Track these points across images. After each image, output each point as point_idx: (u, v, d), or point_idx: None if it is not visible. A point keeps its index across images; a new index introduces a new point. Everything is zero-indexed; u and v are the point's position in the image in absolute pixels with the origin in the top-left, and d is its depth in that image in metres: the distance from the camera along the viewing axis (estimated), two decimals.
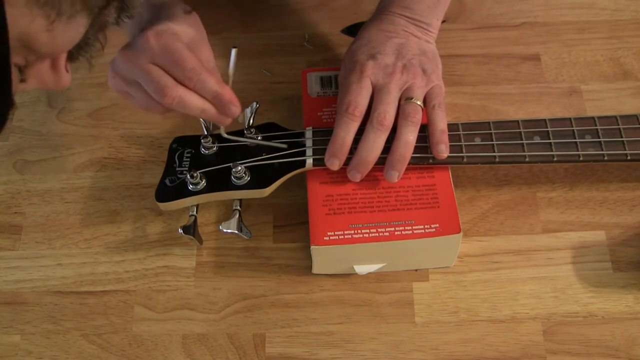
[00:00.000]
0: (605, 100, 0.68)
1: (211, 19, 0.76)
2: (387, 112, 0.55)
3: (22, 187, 0.65)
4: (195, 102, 0.52)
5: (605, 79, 0.69)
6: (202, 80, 0.51)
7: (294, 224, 0.62)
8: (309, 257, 0.57)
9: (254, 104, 0.60)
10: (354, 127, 0.55)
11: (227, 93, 0.52)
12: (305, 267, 0.60)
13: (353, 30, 0.73)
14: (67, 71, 0.43)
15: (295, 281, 0.59)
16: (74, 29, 0.37)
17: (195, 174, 0.56)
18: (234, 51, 0.55)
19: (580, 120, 0.58)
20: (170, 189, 0.57)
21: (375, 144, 0.55)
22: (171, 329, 0.58)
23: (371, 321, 0.57)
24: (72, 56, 0.42)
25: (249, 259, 0.60)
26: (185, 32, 0.53)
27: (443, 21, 0.63)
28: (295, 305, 0.58)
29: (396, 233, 0.54)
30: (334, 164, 0.56)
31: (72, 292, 0.60)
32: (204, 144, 0.59)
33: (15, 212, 0.64)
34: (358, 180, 0.57)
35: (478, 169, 0.64)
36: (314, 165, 0.57)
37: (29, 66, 0.39)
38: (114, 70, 0.53)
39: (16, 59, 0.37)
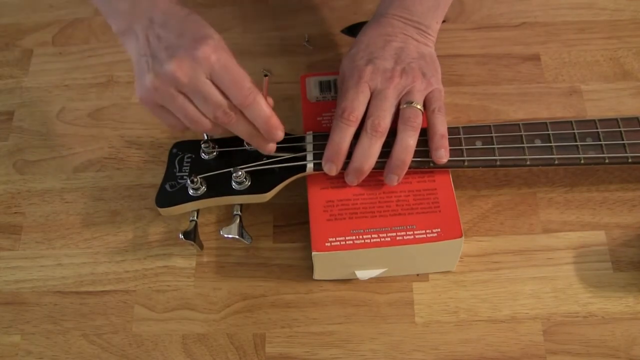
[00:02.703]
0: (605, 100, 0.68)
1: (211, 19, 0.76)
2: (382, 118, 0.55)
3: (22, 187, 0.65)
4: (246, 125, 0.53)
5: (605, 79, 0.69)
6: (257, 102, 0.52)
7: (294, 224, 0.62)
8: (309, 257, 0.57)
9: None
10: (349, 132, 0.55)
11: (275, 119, 0.53)
12: (305, 267, 0.60)
13: (353, 30, 0.73)
14: None
15: (295, 281, 0.59)
16: None
17: (195, 179, 0.56)
18: (265, 79, 0.55)
19: (581, 122, 0.58)
20: (171, 194, 0.57)
21: (370, 150, 0.55)
22: (171, 329, 0.58)
23: (371, 321, 0.57)
24: None
25: (249, 259, 0.61)
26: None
27: (443, 21, 0.63)
28: (295, 305, 0.58)
29: (397, 238, 0.54)
30: (331, 170, 0.56)
31: (72, 292, 0.60)
32: (204, 148, 0.59)
33: (15, 212, 0.64)
34: (355, 184, 0.57)
35: (478, 169, 0.64)
36: (314, 169, 0.57)
37: None
38: (158, 82, 0.51)
39: None
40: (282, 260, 0.60)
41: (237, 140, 0.58)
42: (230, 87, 0.51)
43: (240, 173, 0.56)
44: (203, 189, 0.57)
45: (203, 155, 0.59)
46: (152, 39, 0.52)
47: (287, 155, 0.57)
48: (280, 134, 0.54)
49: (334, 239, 0.55)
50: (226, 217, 0.63)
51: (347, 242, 0.54)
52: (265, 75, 0.55)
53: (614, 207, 0.62)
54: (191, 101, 0.52)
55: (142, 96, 0.52)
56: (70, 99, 0.71)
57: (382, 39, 0.59)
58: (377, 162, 0.55)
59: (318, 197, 0.57)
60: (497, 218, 0.62)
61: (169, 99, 0.52)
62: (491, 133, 0.58)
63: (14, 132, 0.69)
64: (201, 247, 0.60)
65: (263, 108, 0.52)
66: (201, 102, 0.52)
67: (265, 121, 0.53)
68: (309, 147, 0.58)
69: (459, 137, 0.57)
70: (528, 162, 0.56)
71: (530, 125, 0.58)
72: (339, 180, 0.57)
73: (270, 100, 0.55)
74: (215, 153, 0.59)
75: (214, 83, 0.51)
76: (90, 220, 0.63)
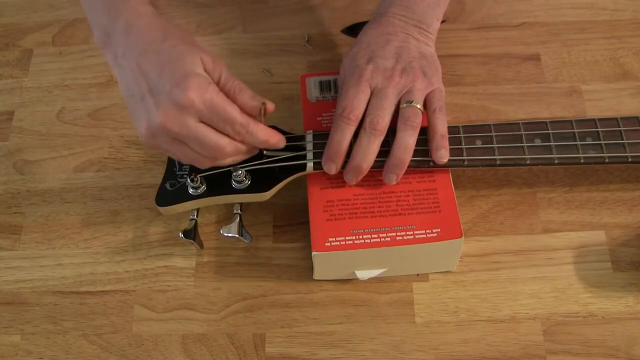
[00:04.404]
0: (605, 100, 0.68)
1: (212, 19, 0.76)
2: (381, 116, 0.55)
3: (22, 187, 0.65)
4: (246, 155, 0.55)
5: (605, 79, 0.69)
6: (251, 132, 0.52)
7: (294, 224, 0.62)
8: (309, 257, 0.57)
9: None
10: (349, 131, 0.55)
11: (274, 137, 0.54)
12: (305, 267, 0.60)
13: (353, 30, 0.73)
14: None
15: (295, 281, 0.59)
16: None
17: (195, 178, 0.56)
18: (263, 107, 0.54)
19: (581, 122, 0.58)
20: (171, 193, 0.57)
21: (368, 148, 0.55)
22: (171, 329, 0.58)
23: (371, 321, 0.57)
24: None
25: (249, 259, 0.61)
26: (207, 63, 0.52)
27: (443, 21, 0.63)
28: (295, 305, 0.58)
29: (397, 238, 0.54)
30: (331, 168, 0.56)
31: (72, 292, 0.60)
32: None
33: (15, 212, 0.64)
34: (354, 183, 0.57)
35: (478, 169, 0.64)
36: (314, 168, 0.57)
37: None
38: (152, 131, 0.51)
39: None
40: (282, 260, 0.60)
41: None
42: (222, 125, 0.51)
43: (240, 172, 0.56)
44: (203, 187, 0.57)
45: None
46: (137, 75, 0.51)
47: (287, 155, 0.57)
48: (281, 145, 0.55)
49: (334, 239, 0.55)
50: (226, 216, 0.63)
51: (347, 242, 0.54)
52: (263, 103, 0.54)
53: (614, 207, 0.62)
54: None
55: (143, 140, 0.52)
56: (70, 99, 0.71)
57: (383, 38, 0.59)
58: (376, 161, 0.55)
59: (318, 197, 0.57)
60: (497, 218, 0.62)
61: (165, 144, 0.52)
62: (491, 132, 0.58)
63: (14, 132, 0.69)
64: (201, 246, 0.60)
65: (259, 135, 0.53)
66: (198, 147, 0.52)
67: (264, 143, 0.54)
68: (309, 146, 0.58)
69: (459, 137, 0.57)
70: (528, 162, 0.56)
71: (530, 125, 0.58)
72: (339, 180, 0.57)
73: (272, 105, 0.54)
74: None
75: (206, 123, 0.51)
76: (90, 220, 0.63)
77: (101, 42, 0.54)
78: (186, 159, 0.54)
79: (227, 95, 0.52)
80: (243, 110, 0.53)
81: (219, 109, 0.50)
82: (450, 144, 0.56)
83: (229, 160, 0.55)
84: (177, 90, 0.49)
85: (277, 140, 0.55)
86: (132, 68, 0.51)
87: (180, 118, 0.49)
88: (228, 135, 0.52)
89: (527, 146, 0.57)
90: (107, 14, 0.53)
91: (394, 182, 0.56)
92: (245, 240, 0.57)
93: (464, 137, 0.57)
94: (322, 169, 0.56)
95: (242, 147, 0.54)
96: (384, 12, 0.61)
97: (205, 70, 0.51)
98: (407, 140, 0.55)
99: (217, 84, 0.52)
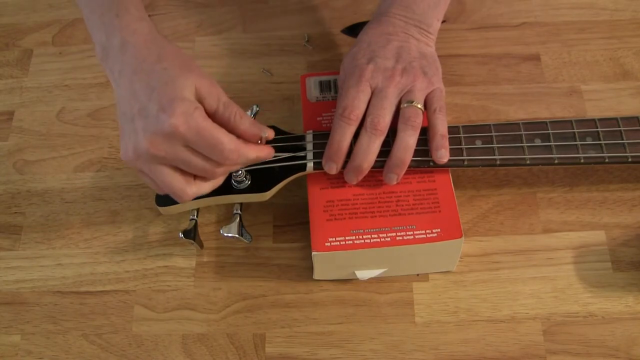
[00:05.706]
0: (605, 100, 0.68)
1: (212, 19, 0.76)
2: (381, 116, 0.55)
3: (22, 187, 0.65)
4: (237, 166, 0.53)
5: (605, 79, 0.69)
6: (242, 156, 0.51)
7: (294, 224, 0.62)
8: (309, 257, 0.57)
9: (254, 106, 0.61)
10: (350, 131, 0.55)
11: (263, 151, 0.53)
12: (305, 267, 0.60)
13: (353, 30, 0.73)
14: None
15: (295, 281, 0.59)
16: None
17: None
18: (263, 139, 0.53)
19: (581, 122, 0.58)
20: None
21: (369, 148, 0.55)
22: (171, 329, 0.58)
23: (371, 321, 0.57)
24: None
25: (249, 259, 0.61)
26: (202, 87, 0.50)
27: (443, 21, 0.63)
28: (295, 305, 0.58)
29: (397, 238, 0.54)
30: (332, 168, 0.56)
31: (72, 292, 0.60)
32: None
33: (15, 212, 0.64)
34: (354, 183, 0.57)
35: (478, 169, 0.64)
36: (314, 168, 0.57)
37: None
38: (137, 153, 0.49)
39: None
40: (282, 260, 0.60)
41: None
42: (210, 153, 0.49)
43: (240, 172, 0.56)
44: None
45: None
46: (130, 94, 0.50)
47: (287, 155, 0.57)
48: (271, 156, 0.54)
49: (333, 239, 0.55)
50: (226, 217, 0.63)
51: (347, 242, 0.54)
52: (265, 132, 0.53)
53: (614, 207, 0.62)
54: (175, 167, 0.51)
55: (126, 160, 0.51)
56: (70, 99, 0.71)
57: (383, 37, 0.59)
58: (377, 161, 0.55)
59: (318, 197, 0.57)
60: (497, 218, 0.62)
61: (147, 168, 0.51)
62: (491, 132, 0.58)
63: (14, 132, 0.69)
64: (201, 246, 0.60)
65: (250, 155, 0.51)
66: (185, 167, 0.51)
67: (255, 160, 0.53)
68: (309, 146, 0.58)
69: (459, 137, 0.57)
70: (528, 162, 0.56)
71: (530, 125, 0.58)
72: (339, 180, 0.57)
73: (272, 133, 0.54)
74: None
75: (193, 148, 0.49)
76: (90, 220, 0.63)
77: (100, 58, 0.54)
78: (166, 187, 0.51)
79: (227, 121, 0.51)
80: (244, 137, 0.52)
81: (205, 135, 0.48)
82: (450, 144, 0.56)
83: (208, 187, 0.53)
84: (163, 116, 0.48)
85: (267, 153, 0.53)
86: (126, 87, 0.50)
87: (165, 144, 0.48)
88: (216, 162, 0.50)
89: (527, 146, 0.57)
90: (104, 31, 0.52)
91: (395, 182, 0.56)
92: (245, 240, 0.57)
93: (464, 137, 0.57)
94: (322, 169, 0.56)
95: (229, 169, 0.53)
96: (384, 12, 0.61)
97: (200, 95, 0.50)
98: (408, 140, 0.55)
99: (216, 109, 0.51)
